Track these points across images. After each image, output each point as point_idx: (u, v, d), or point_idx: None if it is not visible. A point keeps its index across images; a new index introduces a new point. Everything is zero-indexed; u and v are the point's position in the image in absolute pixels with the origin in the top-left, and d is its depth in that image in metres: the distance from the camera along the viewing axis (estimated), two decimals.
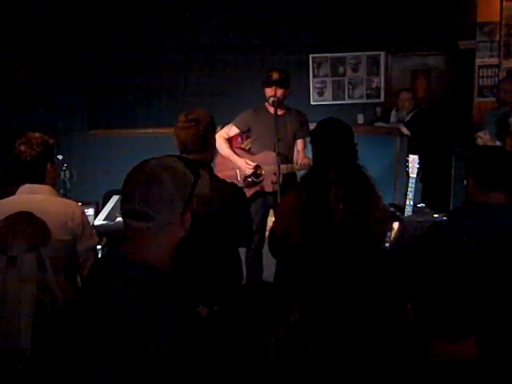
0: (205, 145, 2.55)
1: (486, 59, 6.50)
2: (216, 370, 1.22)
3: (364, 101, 7.59)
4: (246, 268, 3.96)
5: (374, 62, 7.53)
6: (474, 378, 1.46)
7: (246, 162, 4.07)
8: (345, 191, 2.29)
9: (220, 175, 2.86)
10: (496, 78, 6.31)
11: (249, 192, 4.02)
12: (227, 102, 6.59)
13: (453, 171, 5.53)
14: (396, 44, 7.33)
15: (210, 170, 2.66)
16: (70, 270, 2.38)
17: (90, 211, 4.03)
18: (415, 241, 3.18)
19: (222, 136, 4.09)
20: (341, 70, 7.54)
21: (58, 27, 6.57)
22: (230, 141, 4.31)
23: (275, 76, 4.02)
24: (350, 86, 7.58)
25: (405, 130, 5.91)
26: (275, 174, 3.89)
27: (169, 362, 1.35)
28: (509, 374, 1.52)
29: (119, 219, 3.72)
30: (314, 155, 2.54)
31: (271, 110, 4.04)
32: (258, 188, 4.12)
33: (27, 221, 1.84)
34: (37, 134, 2.50)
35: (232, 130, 4.22)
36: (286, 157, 4.08)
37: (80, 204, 2.79)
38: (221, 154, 4.12)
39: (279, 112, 3.97)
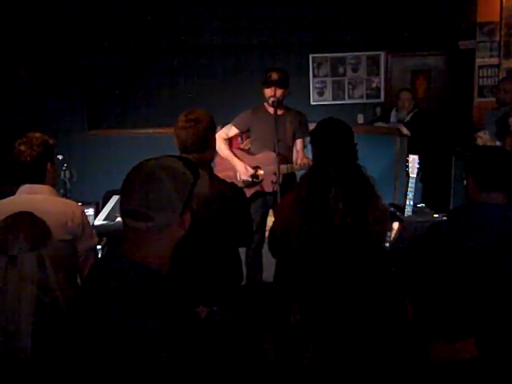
0: (205, 145, 2.54)
1: (486, 59, 6.49)
2: (216, 370, 1.23)
3: (364, 101, 7.59)
4: (246, 268, 3.96)
5: (373, 62, 7.53)
6: (474, 378, 1.46)
7: (246, 168, 4.06)
8: (345, 191, 2.29)
9: (220, 175, 2.86)
10: (496, 78, 6.30)
11: (249, 192, 4.02)
12: (227, 102, 6.58)
13: (453, 171, 5.53)
14: (396, 44, 7.32)
15: (210, 170, 2.66)
16: (70, 269, 2.38)
17: (90, 211, 4.04)
18: (415, 241, 3.18)
19: (221, 137, 4.08)
20: (341, 70, 7.54)
21: (59, 27, 6.57)
22: (229, 141, 4.31)
23: (274, 76, 4.01)
24: (350, 86, 7.57)
25: (405, 130, 5.91)
26: (275, 174, 3.88)
27: (169, 362, 1.35)
28: (509, 374, 1.52)
29: (119, 219, 3.71)
30: (313, 155, 2.54)
31: (271, 110, 4.04)
32: (257, 188, 4.11)
33: (28, 221, 1.85)
34: (37, 134, 2.50)
35: (231, 130, 4.22)
36: (285, 157, 4.08)
37: (80, 204, 2.79)
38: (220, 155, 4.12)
39: (279, 112, 3.97)
